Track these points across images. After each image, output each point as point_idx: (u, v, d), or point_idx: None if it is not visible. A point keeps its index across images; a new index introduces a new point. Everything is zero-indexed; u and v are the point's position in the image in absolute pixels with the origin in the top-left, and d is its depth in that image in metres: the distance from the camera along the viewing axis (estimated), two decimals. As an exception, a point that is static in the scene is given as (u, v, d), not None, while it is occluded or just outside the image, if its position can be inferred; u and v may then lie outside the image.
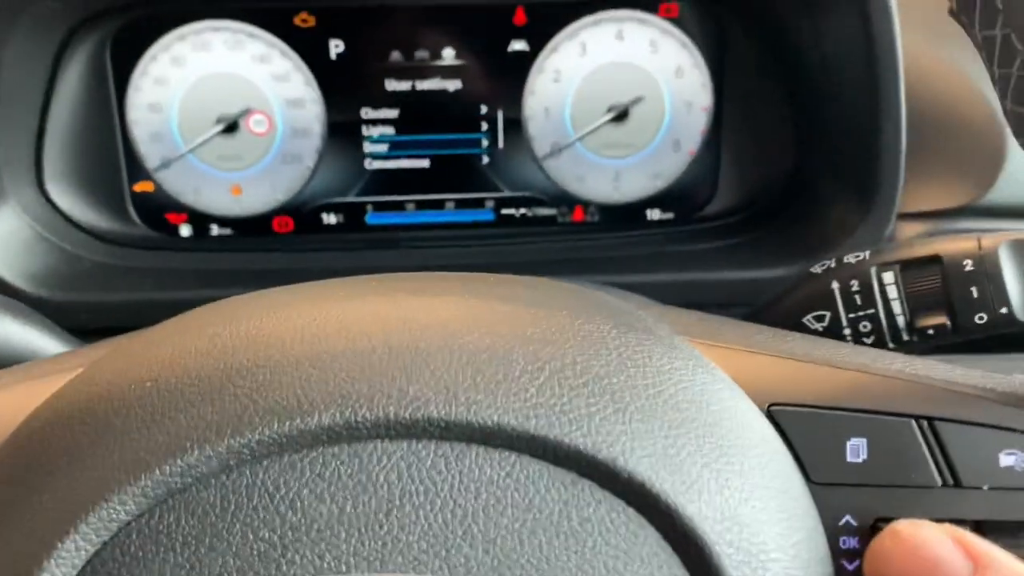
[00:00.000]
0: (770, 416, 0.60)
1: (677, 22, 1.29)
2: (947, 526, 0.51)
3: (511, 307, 0.56)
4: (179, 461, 0.47)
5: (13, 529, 0.46)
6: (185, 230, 1.41)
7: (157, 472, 0.45)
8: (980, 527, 0.55)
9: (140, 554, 0.45)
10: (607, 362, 0.52)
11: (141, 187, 1.37)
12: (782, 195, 1.32)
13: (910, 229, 1.31)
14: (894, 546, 0.47)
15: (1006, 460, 0.56)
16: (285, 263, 1.35)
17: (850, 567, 0.57)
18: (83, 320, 1.21)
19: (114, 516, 0.45)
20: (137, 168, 1.30)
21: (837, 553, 0.57)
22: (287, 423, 0.49)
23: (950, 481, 0.52)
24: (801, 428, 0.60)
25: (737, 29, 1.28)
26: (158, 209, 1.39)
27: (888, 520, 0.55)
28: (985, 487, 0.52)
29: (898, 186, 1.22)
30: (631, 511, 0.46)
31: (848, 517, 0.58)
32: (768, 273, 1.23)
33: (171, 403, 0.51)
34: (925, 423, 0.57)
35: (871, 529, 0.57)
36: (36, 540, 0.44)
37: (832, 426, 0.59)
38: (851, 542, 0.57)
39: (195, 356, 0.55)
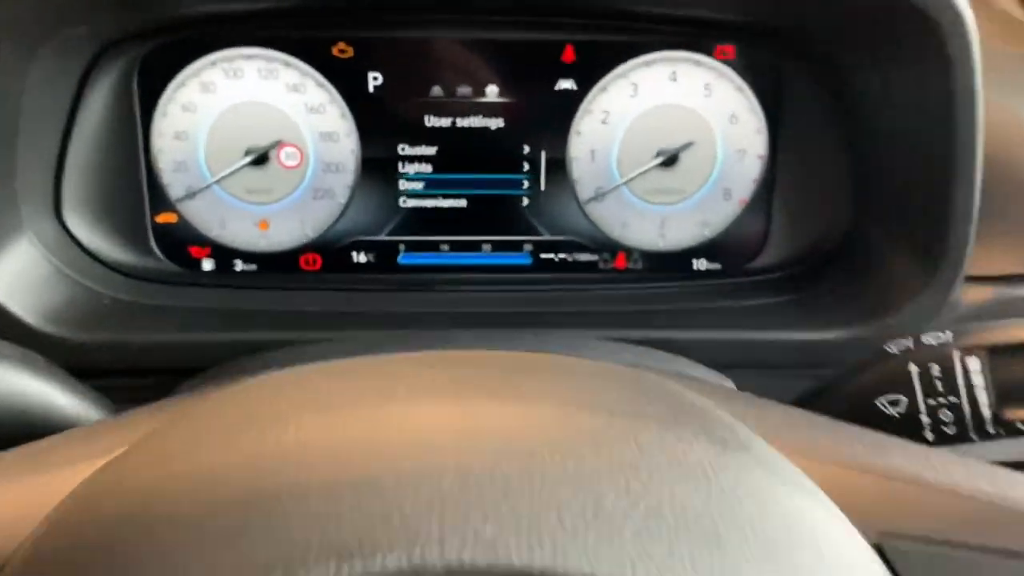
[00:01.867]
0: (879, 549, 0.53)
1: (733, 65, 1.23)
2: None
3: (597, 419, 0.49)
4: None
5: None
6: (208, 264, 1.34)
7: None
8: None
9: None
10: (707, 496, 0.45)
11: (164, 218, 1.31)
12: (837, 251, 1.25)
13: (974, 294, 1.23)
14: None
15: None
16: (311, 303, 1.27)
17: None
18: (101, 360, 1.15)
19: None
20: (160, 198, 1.25)
21: None
22: (345, 567, 0.42)
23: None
24: (918, 567, 0.52)
25: (796, 74, 1.22)
26: (181, 242, 1.32)
27: None
28: None
29: (967, 249, 1.14)
30: None
31: None
32: (821, 335, 1.16)
33: (214, 531, 0.44)
34: None
35: None
36: None
37: (957, 567, 0.51)
38: None
39: (239, 469, 0.48)
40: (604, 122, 1.25)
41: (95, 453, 0.52)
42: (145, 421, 0.60)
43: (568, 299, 1.32)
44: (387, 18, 1.19)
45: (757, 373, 1.12)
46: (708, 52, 1.23)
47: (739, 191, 1.28)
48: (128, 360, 1.11)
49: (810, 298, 1.24)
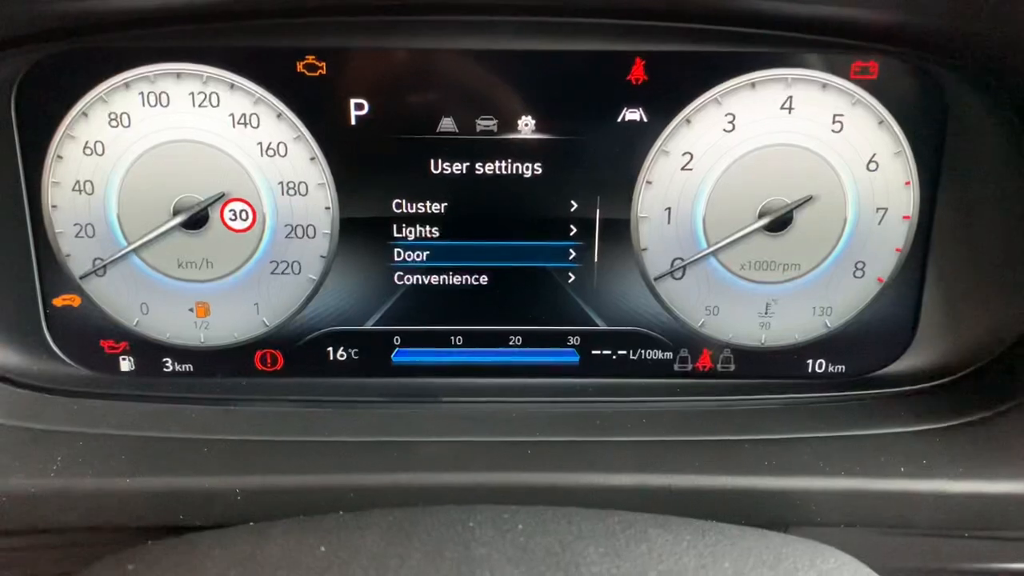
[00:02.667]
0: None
1: (875, 87, 0.97)
2: None
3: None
4: None
5: None
6: (126, 364, 1.05)
7: None
8: None
9: None
10: None
11: (63, 301, 1.02)
12: (1018, 356, 1.01)
13: None
14: None
15: None
16: (268, 428, 0.96)
17: None
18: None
19: None
20: (57, 275, 1.02)
21: None
22: None
23: None
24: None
25: (969, 99, 0.97)
26: (87, 335, 1.04)
27: None
28: None
29: None
30: None
31: None
32: (1002, 487, 0.89)
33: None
34: None
35: None
36: None
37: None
38: None
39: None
40: (686, 168, 1.01)
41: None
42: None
43: (629, 417, 1.01)
44: (374, 19, 0.94)
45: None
46: (841, 71, 0.99)
47: (876, 266, 1.05)
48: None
49: (982, 426, 0.97)
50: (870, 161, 0.99)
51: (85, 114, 0.95)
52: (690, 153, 1.00)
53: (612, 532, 0.67)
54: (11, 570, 0.90)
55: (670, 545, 0.66)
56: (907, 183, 1.00)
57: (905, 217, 1.03)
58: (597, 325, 1.04)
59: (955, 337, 1.05)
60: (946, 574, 0.96)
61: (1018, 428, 0.96)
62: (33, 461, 0.91)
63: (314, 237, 1.00)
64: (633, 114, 0.98)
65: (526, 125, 0.97)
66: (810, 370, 1.07)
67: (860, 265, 1.03)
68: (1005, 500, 0.89)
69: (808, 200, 1.01)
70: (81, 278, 1.02)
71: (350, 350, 1.04)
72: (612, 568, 0.62)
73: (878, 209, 1.02)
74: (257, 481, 0.89)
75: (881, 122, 0.98)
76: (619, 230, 1.02)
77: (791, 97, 0.99)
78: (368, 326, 1.04)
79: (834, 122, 0.99)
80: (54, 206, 0.98)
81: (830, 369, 1.06)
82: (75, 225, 0.99)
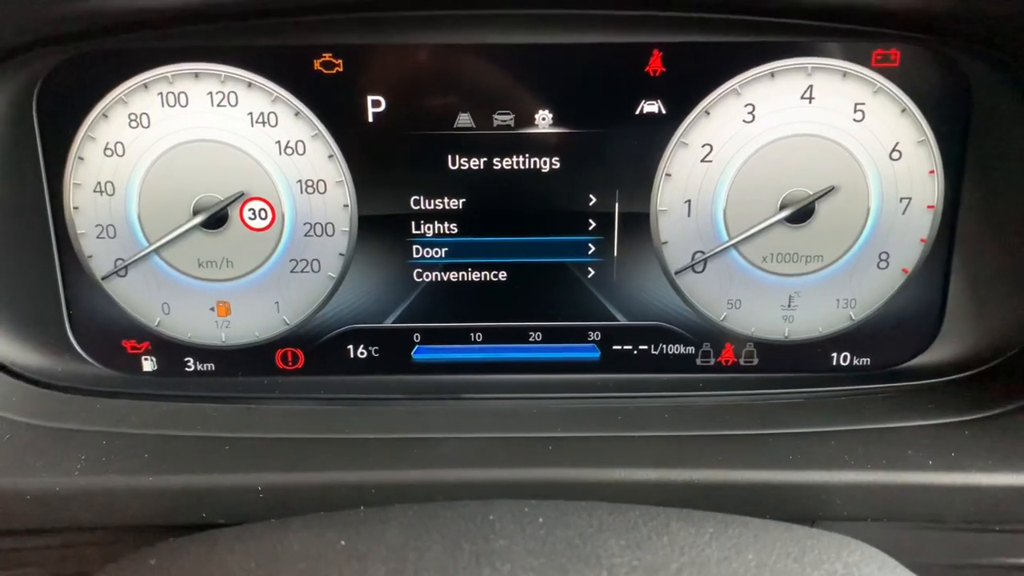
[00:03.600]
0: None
1: (897, 75, 0.95)
2: None
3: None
4: None
5: None
6: (148, 364, 1.04)
7: None
8: None
9: None
10: None
11: (85, 302, 1.01)
12: None
13: None
14: None
15: None
16: (289, 426, 0.95)
17: None
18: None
19: None
20: (79, 275, 1.01)
21: None
22: None
23: None
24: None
25: (994, 85, 0.95)
26: (110, 335, 1.03)
27: None
28: None
29: None
30: None
31: None
32: None
33: None
34: None
35: None
36: None
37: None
38: None
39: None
40: (706, 160, 0.99)
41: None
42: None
43: (651, 412, 0.99)
44: (390, 15, 0.93)
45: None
46: (862, 60, 0.96)
47: (901, 256, 1.03)
48: (22, 518, 0.86)
49: (1011, 418, 0.95)
50: (893, 150, 0.96)
51: (105, 115, 0.95)
52: (710, 145, 0.98)
53: (634, 525, 0.66)
54: (35, 568, 0.90)
55: (693, 537, 0.65)
56: (931, 172, 0.97)
57: (930, 207, 1.00)
58: (617, 320, 1.02)
59: (982, 328, 1.02)
60: (976, 569, 0.93)
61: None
62: (57, 460, 0.91)
63: (333, 235, 0.99)
64: (651, 106, 0.96)
65: (543, 119, 0.95)
66: (834, 364, 1.04)
67: (884, 256, 1.00)
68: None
69: (830, 191, 0.99)
70: (103, 279, 1.00)
71: (370, 348, 1.03)
72: (634, 560, 0.61)
73: (902, 199, 1.00)
74: (279, 479, 0.88)
75: (904, 110, 0.95)
76: (639, 224, 1.00)
77: (811, 86, 0.96)
78: (388, 324, 1.02)
79: (855, 111, 0.97)
80: (76, 207, 0.97)
81: (855, 362, 1.04)
82: (96, 226, 0.99)
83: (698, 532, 0.66)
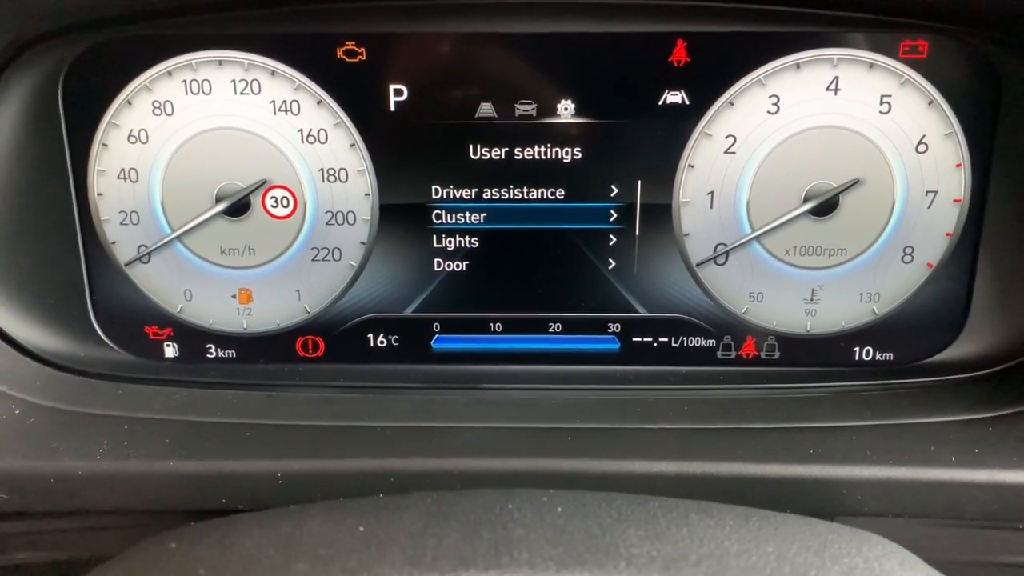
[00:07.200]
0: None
1: (925, 66, 0.93)
2: None
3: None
4: None
5: None
6: (170, 350, 1.04)
7: None
8: None
9: None
10: None
11: (108, 288, 1.02)
12: None
13: None
14: None
15: None
16: (309, 411, 0.96)
17: None
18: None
19: None
20: (102, 262, 1.01)
21: None
22: None
23: None
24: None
25: (1023, 78, 0.93)
26: (132, 321, 1.03)
27: None
28: None
29: None
30: None
31: None
32: None
33: None
34: None
35: None
36: None
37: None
38: None
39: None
40: (729, 151, 0.98)
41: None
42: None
43: (671, 405, 0.98)
44: (413, 4, 0.92)
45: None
46: (889, 51, 0.94)
47: (926, 250, 1.02)
48: (44, 500, 0.87)
49: None
50: (919, 143, 0.95)
51: (129, 102, 0.95)
52: (733, 136, 0.97)
53: (653, 516, 0.66)
54: (57, 550, 0.91)
55: (712, 529, 0.64)
56: (958, 165, 0.96)
57: (956, 200, 0.99)
58: (638, 312, 1.01)
59: (1008, 323, 1.00)
60: (998, 567, 0.92)
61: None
62: (80, 444, 0.91)
63: (354, 224, 0.99)
64: (675, 96, 0.95)
65: (565, 109, 0.94)
66: (857, 358, 1.03)
67: (909, 250, 0.99)
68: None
69: (855, 183, 0.98)
70: (126, 265, 1.00)
71: (390, 336, 1.03)
72: (652, 551, 0.60)
73: (928, 192, 0.98)
74: (299, 465, 0.88)
75: (931, 103, 0.94)
76: (660, 215, 0.99)
77: (837, 78, 0.95)
78: (408, 313, 1.02)
79: (882, 103, 0.96)
80: (100, 194, 0.98)
81: (878, 357, 1.02)
82: (120, 212, 0.99)
83: (717, 524, 0.65)
